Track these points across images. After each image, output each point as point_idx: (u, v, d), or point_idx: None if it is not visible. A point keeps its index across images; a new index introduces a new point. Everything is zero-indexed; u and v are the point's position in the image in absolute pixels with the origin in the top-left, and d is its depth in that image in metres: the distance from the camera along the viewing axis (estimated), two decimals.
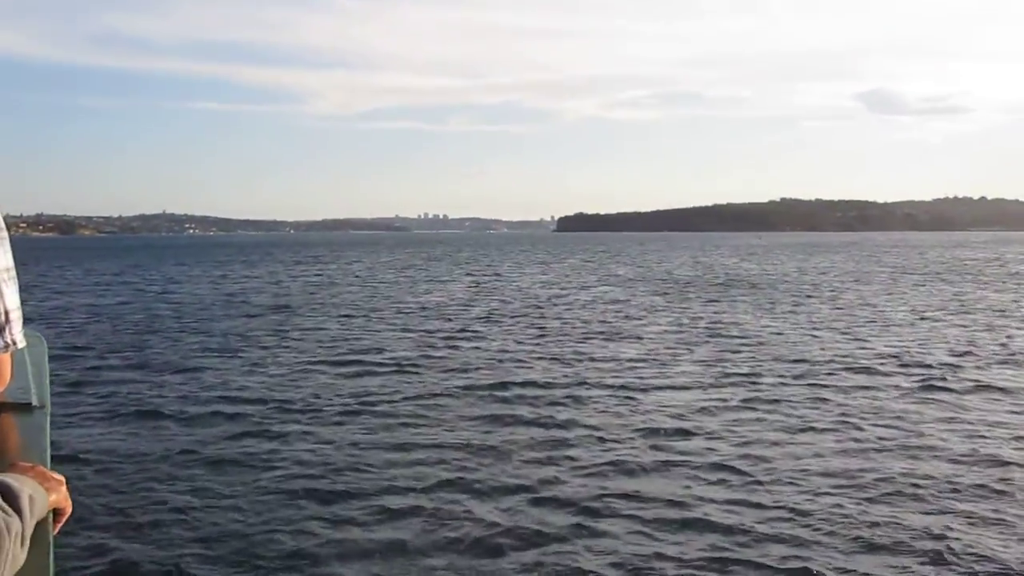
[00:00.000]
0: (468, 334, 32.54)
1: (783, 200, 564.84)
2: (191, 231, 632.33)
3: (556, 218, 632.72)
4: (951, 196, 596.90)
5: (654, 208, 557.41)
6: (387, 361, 25.54)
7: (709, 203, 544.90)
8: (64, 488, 2.13)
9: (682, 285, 59.57)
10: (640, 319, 37.74)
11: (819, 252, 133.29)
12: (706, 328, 33.89)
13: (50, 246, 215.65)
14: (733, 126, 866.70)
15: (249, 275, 75.52)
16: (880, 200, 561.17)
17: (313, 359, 25.95)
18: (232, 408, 18.71)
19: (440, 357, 26.59)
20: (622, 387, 21.24)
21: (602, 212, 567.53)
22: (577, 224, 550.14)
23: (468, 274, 76.74)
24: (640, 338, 31.01)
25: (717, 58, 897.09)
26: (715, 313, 39.66)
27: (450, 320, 37.38)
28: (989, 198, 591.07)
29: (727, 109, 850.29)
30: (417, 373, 23.50)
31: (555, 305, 44.80)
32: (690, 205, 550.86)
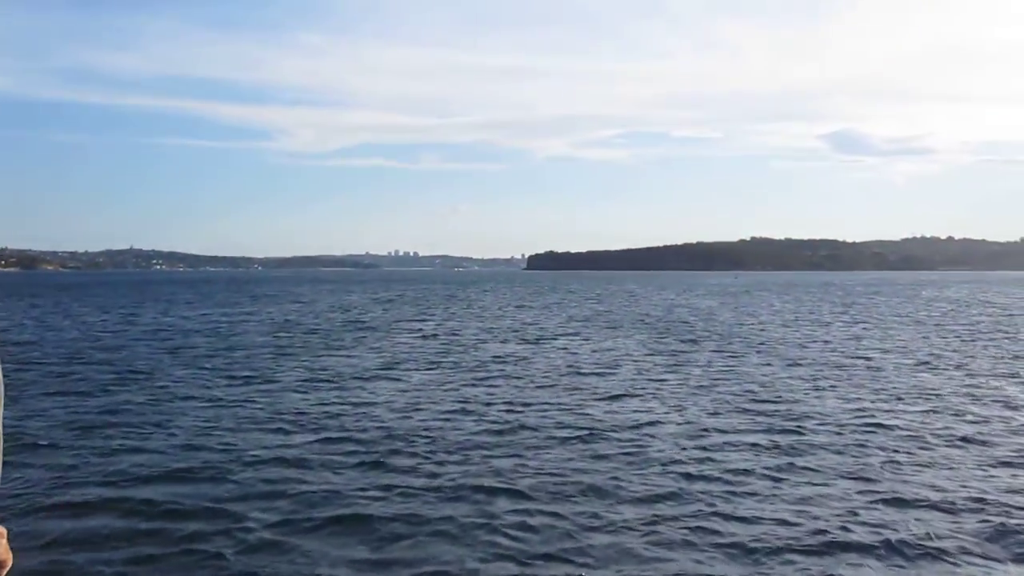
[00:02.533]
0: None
1: (753, 239, 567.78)
2: (158, 267, 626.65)
3: (526, 256, 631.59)
4: (919, 236, 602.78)
5: (625, 247, 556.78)
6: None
7: (680, 242, 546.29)
8: (4, 540, 2.09)
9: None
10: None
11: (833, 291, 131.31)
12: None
13: (8, 281, 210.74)
14: (702, 166, 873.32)
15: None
16: (849, 240, 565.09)
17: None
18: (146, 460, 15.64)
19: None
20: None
21: (572, 250, 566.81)
22: (547, 262, 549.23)
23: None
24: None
25: (685, 98, 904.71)
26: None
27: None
28: (956, 238, 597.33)
29: (695, 149, 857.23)
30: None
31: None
32: (660, 244, 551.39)
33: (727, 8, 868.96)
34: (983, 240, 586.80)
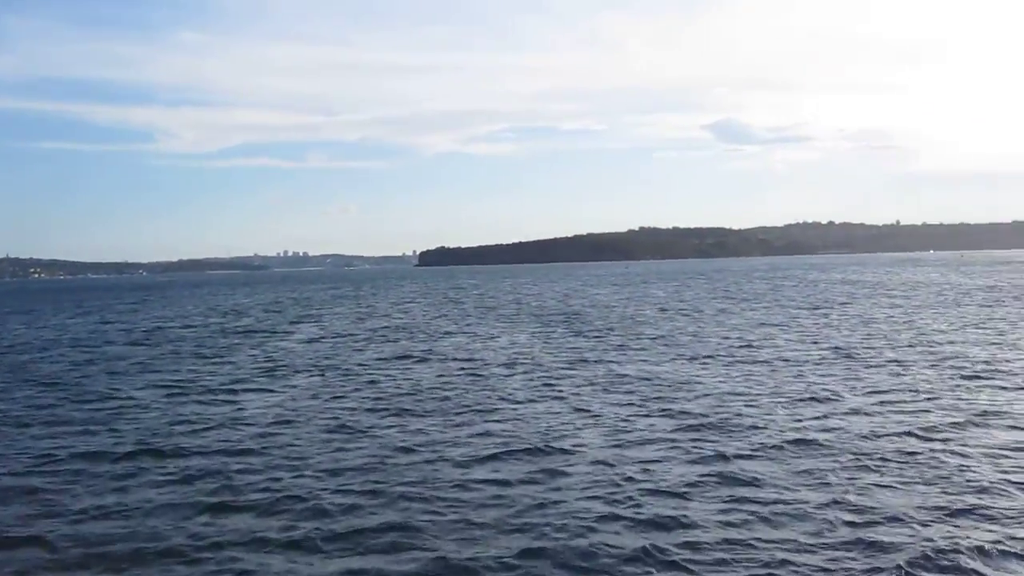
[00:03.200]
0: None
1: (642, 229, 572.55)
2: (36, 276, 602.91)
3: (418, 253, 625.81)
4: (801, 221, 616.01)
5: (516, 240, 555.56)
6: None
7: (570, 234, 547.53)
8: None
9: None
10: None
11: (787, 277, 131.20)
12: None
13: None
14: (589, 158, 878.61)
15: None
16: (735, 227, 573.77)
17: None
18: None
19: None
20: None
21: (464, 246, 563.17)
22: (439, 258, 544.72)
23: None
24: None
25: (570, 92, 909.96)
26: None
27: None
28: (837, 222, 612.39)
29: (582, 141, 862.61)
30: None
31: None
32: (551, 236, 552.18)
33: (608, 3, 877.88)
34: (862, 224, 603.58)
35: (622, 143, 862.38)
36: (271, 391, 26.96)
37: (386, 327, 52.71)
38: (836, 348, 33.83)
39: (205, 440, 19.40)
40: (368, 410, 22.76)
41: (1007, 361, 28.79)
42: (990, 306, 54.75)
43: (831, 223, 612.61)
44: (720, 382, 25.82)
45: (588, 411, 21.52)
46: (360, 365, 33.11)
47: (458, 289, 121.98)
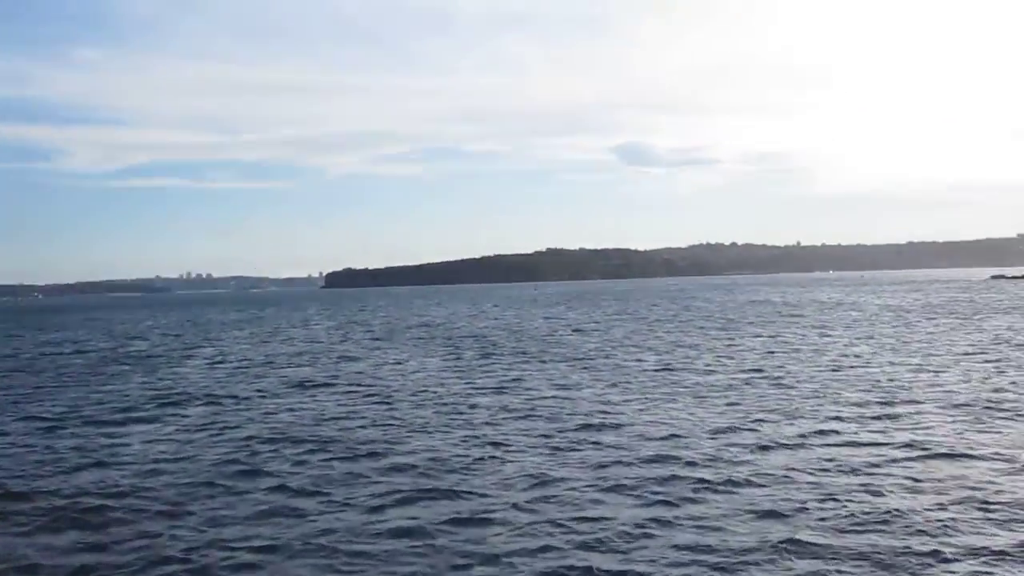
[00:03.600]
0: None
1: (549, 250, 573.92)
2: None
3: (324, 274, 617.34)
4: (705, 242, 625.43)
5: (424, 261, 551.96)
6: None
7: (477, 255, 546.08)
8: None
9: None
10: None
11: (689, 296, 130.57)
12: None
13: None
14: (494, 180, 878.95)
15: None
16: (640, 248, 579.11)
17: None
18: None
19: None
20: None
21: (371, 267, 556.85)
22: (346, 279, 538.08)
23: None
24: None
25: (475, 114, 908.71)
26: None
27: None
28: (739, 243, 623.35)
29: (488, 163, 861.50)
30: None
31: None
32: (459, 258, 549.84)
33: (511, 26, 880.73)
34: (764, 245, 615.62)
35: (527, 165, 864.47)
36: (160, 422, 24.72)
37: (289, 352, 50.35)
38: (756, 371, 32.83)
39: (77, 480, 17.23)
40: (265, 442, 20.73)
41: (929, 385, 27.96)
42: (905, 326, 54.84)
43: (734, 244, 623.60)
44: (641, 409, 24.39)
45: (506, 444, 19.82)
46: (259, 393, 30.91)
47: (365, 311, 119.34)
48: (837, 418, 21.92)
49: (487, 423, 22.76)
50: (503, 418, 23.46)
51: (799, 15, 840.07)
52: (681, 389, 28.38)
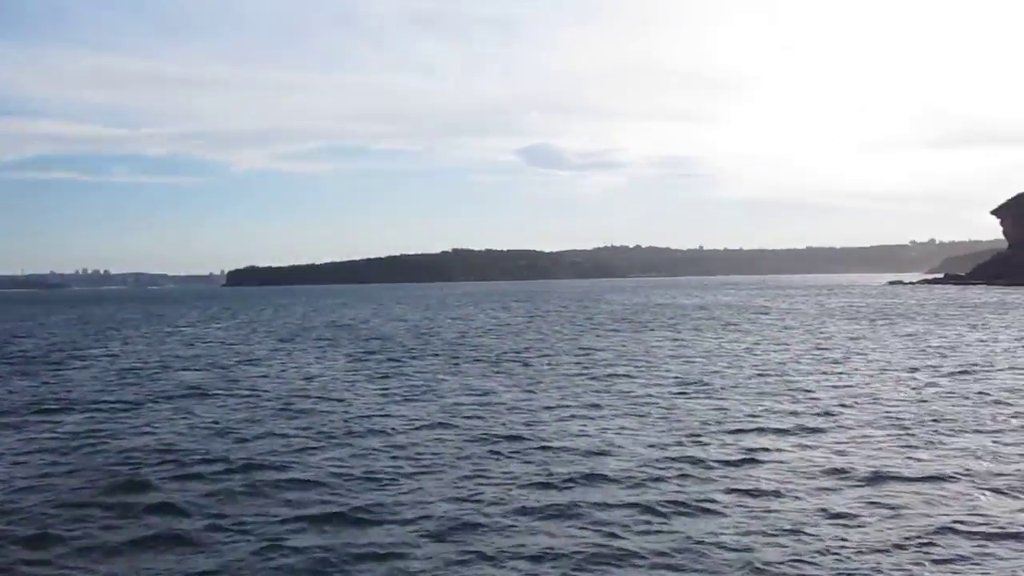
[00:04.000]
0: None
1: (455, 251, 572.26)
2: None
3: (226, 272, 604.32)
4: (610, 245, 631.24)
5: (330, 260, 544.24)
6: None
7: (384, 255, 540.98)
8: None
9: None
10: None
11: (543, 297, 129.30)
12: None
13: None
14: (402, 179, 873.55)
15: None
16: (546, 249, 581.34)
17: None
18: None
19: None
20: None
21: (275, 265, 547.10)
22: (249, 278, 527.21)
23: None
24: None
25: (383, 113, 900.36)
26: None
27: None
28: (644, 246, 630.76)
29: (396, 162, 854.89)
30: None
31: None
32: (365, 257, 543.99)
33: (422, 25, 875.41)
34: (667, 248, 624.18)
35: (436, 165, 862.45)
36: (33, 432, 22.25)
37: (186, 354, 47.60)
38: (679, 378, 31.69)
39: None
40: (151, 456, 18.61)
41: (863, 396, 27.07)
42: (822, 330, 54.68)
43: (638, 247, 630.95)
44: (564, 418, 22.89)
45: (422, 459, 18.04)
46: (150, 398, 28.50)
47: (269, 311, 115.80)
48: (774, 431, 20.65)
49: (400, 434, 20.95)
50: (418, 428, 21.64)
51: (708, 24, 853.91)
52: (605, 396, 26.96)
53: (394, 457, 18.20)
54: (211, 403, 27.24)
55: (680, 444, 19.02)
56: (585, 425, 21.66)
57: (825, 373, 32.00)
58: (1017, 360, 35.57)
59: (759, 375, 31.74)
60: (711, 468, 16.66)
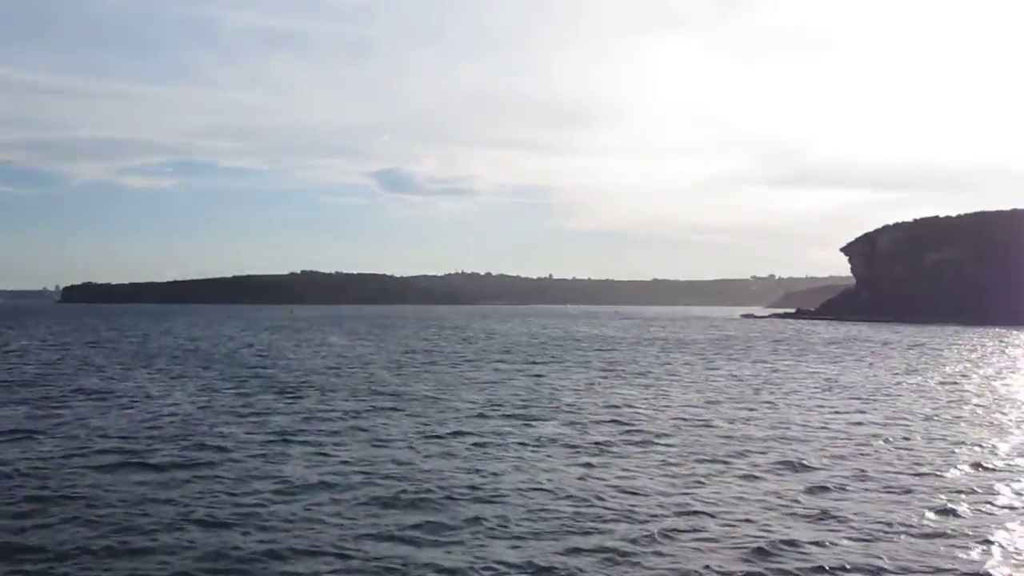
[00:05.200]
0: None
1: (304, 272, 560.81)
2: None
3: (61, 288, 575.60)
4: (461, 272, 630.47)
5: (173, 279, 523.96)
6: None
7: (230, 275, 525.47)
8: None
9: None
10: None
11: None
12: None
13: None
14: (252, 198, 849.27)
15: None
16: (397, 274, 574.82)
17: None
18: None
19: None
20: None
21: (115, 282, 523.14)
22: (87, 294, 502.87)
23: None
24: None
25: (235, 130, 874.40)
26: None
27: None
28: (494, 274, 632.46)
29: (245, 181, 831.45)
30: None
31: None
32: (210, 276, 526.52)
33: (278, 43, 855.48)
34: (518, 276, 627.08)
35: (287, 185, 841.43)
36: None
37: (9, 379, 41.96)
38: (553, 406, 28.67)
39: None
40: None
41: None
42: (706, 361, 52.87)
43: (489, 274, 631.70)
44: (454, 461, 19.48)
45: (294, 527, 14.32)
46: None
47: (105, 330, 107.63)
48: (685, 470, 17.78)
49: (277, 493, 17.13)
50: (297, 488, 17.83)
51: (562, 54, 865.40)
52: (495, 437, 23.73)
53: (266, 529, 14.41)
54: (33, 442, 22.67)
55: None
56: (485, 476, 18.29)
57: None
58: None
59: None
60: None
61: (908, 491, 17.97)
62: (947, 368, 53.09)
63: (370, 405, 31.86)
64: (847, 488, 18.35)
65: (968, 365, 55.83)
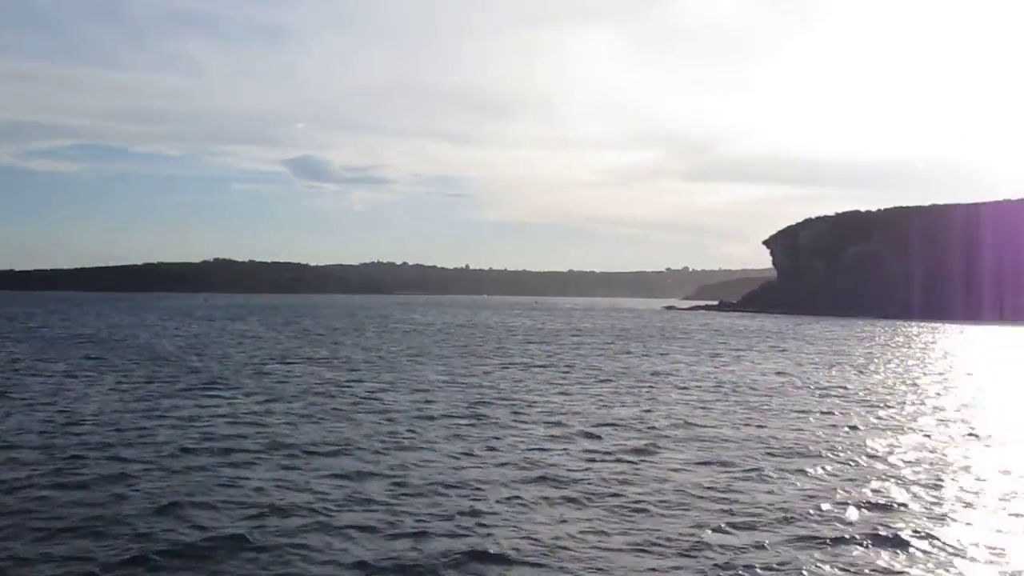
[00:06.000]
0: None
1: (217, 260, 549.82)
2: None
3: None
4: (377, 261, 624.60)
5: (78, 266, 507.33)
6: None
7: (140, 262, 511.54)
8: None
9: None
10: None
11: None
12: None
13: None
14: (163, 184, 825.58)
15: None
16: (312, 263, 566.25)
17: None
18: None
19: None
20: None
21: (17, 268, 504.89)
22: None
23: None
24: None
25: (145, 114, 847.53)
26: None
27: None
28: (411, 264, 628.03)
29: (156, 167, 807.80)
30: None
31: None
32: (119, 263, 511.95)
33: (190, 26, 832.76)
34: (435, 267, 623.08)
35: (200, 171, 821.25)
36: None
37: None
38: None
39: None
40: None
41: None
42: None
43: (406, 264, 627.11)
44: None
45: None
46: None
47: (5, 321, 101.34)
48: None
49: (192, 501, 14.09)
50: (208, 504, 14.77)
51: (478, 47, 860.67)
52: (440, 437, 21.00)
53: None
54: None
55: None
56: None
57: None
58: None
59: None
60: None
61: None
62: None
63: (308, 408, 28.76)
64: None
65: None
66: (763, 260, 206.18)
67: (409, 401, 30.03)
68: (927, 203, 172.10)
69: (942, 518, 15.30)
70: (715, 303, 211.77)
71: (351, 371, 41.14)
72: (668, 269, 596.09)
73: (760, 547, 13.42)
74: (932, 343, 77.94)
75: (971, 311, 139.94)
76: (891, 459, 20.68)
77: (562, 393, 33.00)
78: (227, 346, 57.64)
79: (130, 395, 30.54)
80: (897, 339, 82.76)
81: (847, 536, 14.02)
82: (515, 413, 27.47)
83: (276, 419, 25.40)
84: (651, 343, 68.93)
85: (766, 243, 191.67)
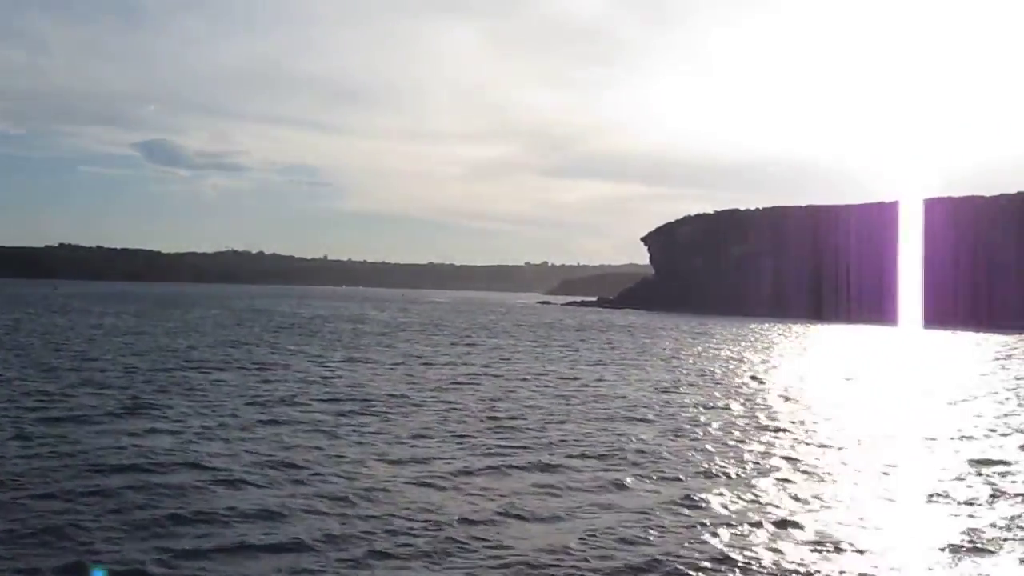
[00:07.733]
0: None
1: (62, 246, 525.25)
2: None
3: None
4: (232, 250, 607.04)
5: None
6: None
7: None
8: None
9: None
10: None
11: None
12: None
13: None
14: (4, 164, 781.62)
15: None
16: (164, 250, 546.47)
17: None
18: None
19: None
20: None
21: None
22: None
23: None
24: None
25: None
26: None
27: None
28: (267, 253, 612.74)
29: None
30: None
31: None
32: None
33: (35, 1, 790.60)
34: (292, 256, 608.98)
35: (42, 152, 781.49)
36: None
37: None
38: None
39: None
40: None
41: None
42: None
43: (261, 253, 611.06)
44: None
45: None
46: None
47: None
48: None
49: None
50: None
51: (338, 36, 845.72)
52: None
53: None
54: None
55: None
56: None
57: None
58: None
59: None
60: None
61: None
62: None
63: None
64: None
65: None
66: (623, 256, 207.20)
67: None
68: (804, 203, 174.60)
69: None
70: (592, 299, 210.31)
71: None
72: (528, 263, 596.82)
73: None
74: (775, 342, 79.84)
75: (842, 312, 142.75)
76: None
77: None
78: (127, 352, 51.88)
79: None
80: (751, 338, 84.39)
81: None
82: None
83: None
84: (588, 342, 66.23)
85: (644, 240, 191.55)
